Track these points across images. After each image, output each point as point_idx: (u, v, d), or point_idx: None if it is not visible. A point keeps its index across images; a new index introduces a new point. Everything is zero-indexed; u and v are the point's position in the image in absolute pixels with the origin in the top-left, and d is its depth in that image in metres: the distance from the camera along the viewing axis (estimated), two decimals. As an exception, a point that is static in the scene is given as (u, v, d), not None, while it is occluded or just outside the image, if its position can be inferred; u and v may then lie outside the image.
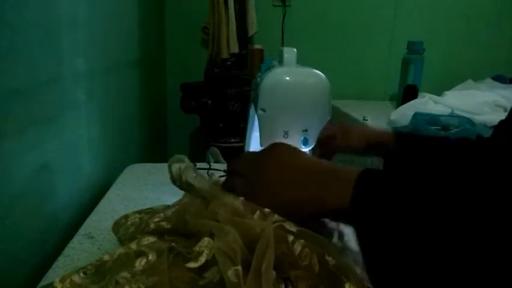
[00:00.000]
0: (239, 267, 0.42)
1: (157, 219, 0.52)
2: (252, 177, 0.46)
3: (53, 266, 0.55)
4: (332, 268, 0.43)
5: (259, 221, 0.51)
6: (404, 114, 1.39)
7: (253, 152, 0.49)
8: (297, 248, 0.45)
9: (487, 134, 0.68)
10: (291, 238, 0.45)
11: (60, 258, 0.56)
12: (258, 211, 0.53)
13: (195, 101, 1.65)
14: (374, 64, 2.00)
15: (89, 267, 0.45)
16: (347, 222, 0.40)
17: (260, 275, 0.41)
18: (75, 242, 0.61)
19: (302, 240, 0.45)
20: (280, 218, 0.49)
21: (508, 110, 0.63)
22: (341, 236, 0.54)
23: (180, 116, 1.80)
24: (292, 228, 0.47)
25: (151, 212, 0.57)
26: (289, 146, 0.47)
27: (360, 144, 0.71)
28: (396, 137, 0.72)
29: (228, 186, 0.48)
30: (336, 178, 0.40)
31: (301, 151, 0.47)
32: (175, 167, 0.56)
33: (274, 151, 0.46)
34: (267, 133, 0.60)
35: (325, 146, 0.67)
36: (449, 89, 1.67)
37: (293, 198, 0.42)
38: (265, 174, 0.44)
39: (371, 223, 0.35)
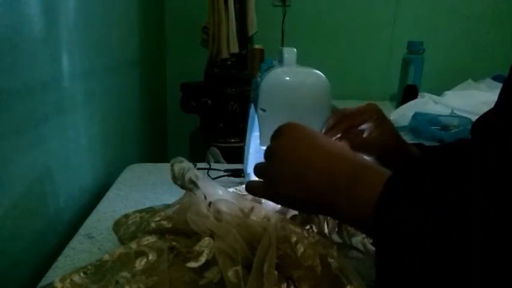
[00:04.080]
0: (239, 268, 0.42)
1: (157, 218, 0.52)
2: (268, 169, 0.42)
3: (53, 266, 0.54)
4: (334, 270, 0.43)
5: (261, 220, 0.51)
6: (404, 114, 1.39)
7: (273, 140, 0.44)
8: (300, 248, 0.45)
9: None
10: (294, 239, 0.45)
11: (60, 258, 0.56)
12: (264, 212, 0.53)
13: (194, 101, 1.65)
14: (374, 64, 2.00)
15: (89, 267, 0.45)
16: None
17: (262, 275, 0.41)
18: (75, 242, 0.61)
19: (305, 241, 0.45)
20: (284, 218, 0.49)
21: None
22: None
23: (180, 116, 1.80)
24: (296, 229, 0.47)
25: (152, 211, 0.57)
26: (304, 129, 0.42)
27: (391, 141, 0.55)
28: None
29: (251, 186, 0.45)
30: (357, 185, 0.33)
31: (319, 135, 0.42)
32: (178, 166, 0.56)
33: (289, 138, 0.42)
34: (267, 133, 0.59)
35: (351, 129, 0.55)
36: (449, 89, 1.67)
37: (303, 198, 0.38)
38: (278, 166, 0.40)
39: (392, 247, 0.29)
